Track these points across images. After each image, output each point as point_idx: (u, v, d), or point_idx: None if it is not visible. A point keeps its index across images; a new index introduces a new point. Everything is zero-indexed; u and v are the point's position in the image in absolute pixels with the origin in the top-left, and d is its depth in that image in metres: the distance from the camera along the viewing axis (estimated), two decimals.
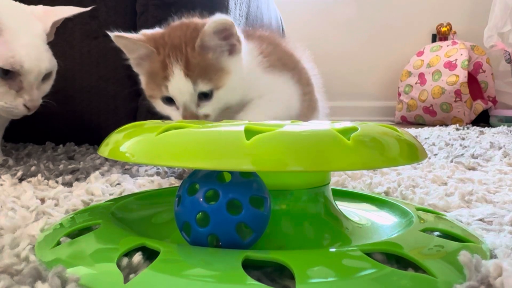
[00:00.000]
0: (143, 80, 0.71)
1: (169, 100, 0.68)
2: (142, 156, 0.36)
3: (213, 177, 0.36)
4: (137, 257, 0.34)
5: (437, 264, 0.33)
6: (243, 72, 0.71)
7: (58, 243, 0.37)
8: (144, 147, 0.36)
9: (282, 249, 0.37)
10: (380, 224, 0.46)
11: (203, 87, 0.66)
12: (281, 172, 0.41)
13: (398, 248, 0.35)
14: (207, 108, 0.68)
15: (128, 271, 0.33)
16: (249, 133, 0.34)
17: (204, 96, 0.67)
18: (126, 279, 0.31)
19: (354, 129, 0.37)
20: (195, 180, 0.36)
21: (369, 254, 0.33)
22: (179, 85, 0.66)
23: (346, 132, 0.36)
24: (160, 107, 0.70)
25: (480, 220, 0.50)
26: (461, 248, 0.36)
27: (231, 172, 0.36)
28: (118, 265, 0.32)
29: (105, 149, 0.39)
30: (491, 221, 0.49)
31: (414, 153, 0.39)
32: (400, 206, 0.48)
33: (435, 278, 0.31)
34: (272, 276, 0.34)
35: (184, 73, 0.66)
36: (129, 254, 0.35)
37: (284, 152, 0.33)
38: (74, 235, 0.39)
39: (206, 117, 0.68)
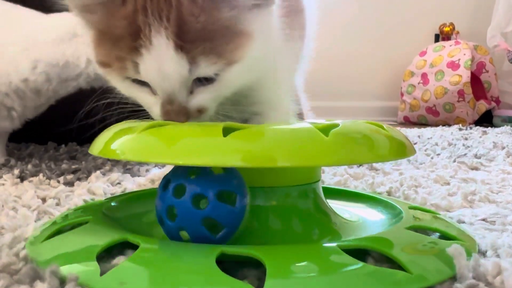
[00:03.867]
0: (90, 36, 0.42)
1: (139, 81, 0.41)
2: (129, 154, 0.36)
3: (183, 172, 0.36)
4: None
5: (416, 260, 0.33)
6: (271, 35, 0.45)
7: (48, 238, 0.38)
8: (128, 145, 0.37)
9: (266, 244, 0.37)
10: (369, 221, 0.47)
11: (208, 68, 0.39)
12: (270, 169, 0.41)
13: (377, 245, 0.35)
14: (205, 97, 0.41)
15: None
16: (227, 130, 0.34)
17: (203, 79, 0.40)
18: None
19: (335, 126, 0.37)
20: (170, 175, 0.37)
21: (348, 250, 0.33)
22: (164, 65, 0.38)
23: (327, 129, 0.36)
24: (122, 86, 0.43)
25: (483, 220, 0.49)
26: (447, 246, 0.35)
27: (202, 167, 0.36)
28: (99, 259, 0.33)
29: (94, 148, 0.40)
30: (494, 221, 0.49)
31: (399, 149, 0.39)
32: (393, 204, 0.49)
33: (410, 274, 0.31)
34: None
35: (175, 44, 0.37)
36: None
37: (270, 149, 0.34)
38: (66, 231, 0.40)
39: (200, 112, 0.42)
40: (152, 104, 0.41)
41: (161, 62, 0.38)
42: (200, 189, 0.35)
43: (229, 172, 0.37)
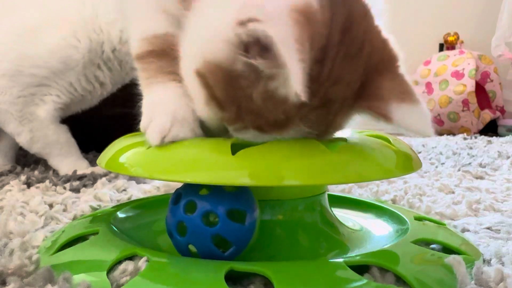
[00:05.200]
0: (215, 71, 0.36)
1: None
2: (137, 169, 0.36)
3: (195, 188, 0.36)
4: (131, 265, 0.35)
5: (422, 276, 0.33)
6: None
7: (58, 250, 0.38)
8: (136, 160, 0.37)
9: (273, 259, 0.38)
10: (374, 232, 0.46)
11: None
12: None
13: (383, 261, 0.35)
14: None
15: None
16: (236, 147, 0.35)
17: None
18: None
19: (342, 141, 0.37)
20: (181, 190, 0.37)
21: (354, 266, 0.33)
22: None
23: (334, 143, 0.36)
24: (208, 113, 0.38)
25: (488, 228, 0.50)
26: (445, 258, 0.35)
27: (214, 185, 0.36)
28: (109, 273, 0.33)
29: (102, 161, 0.41)
30: (499, 230, 0.49)
31: (406, 163, 0.39)
32: (399, 215, 0.48)
33: None
34: None
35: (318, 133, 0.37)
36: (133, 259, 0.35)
37: (277, 167, 0.34)
38: (74, 241, 0.40)
39: None
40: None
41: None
42: (211, 207, 0.35)
43: (240, 189, 0.37)
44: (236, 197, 0.36)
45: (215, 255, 0.35)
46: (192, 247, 0.36)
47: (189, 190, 0.37)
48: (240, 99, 0.35)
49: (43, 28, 0.80)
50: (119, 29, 0.82)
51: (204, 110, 0.38)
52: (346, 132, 0.44)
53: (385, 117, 0.36)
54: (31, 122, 0.82)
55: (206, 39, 0.36)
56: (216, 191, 0.36)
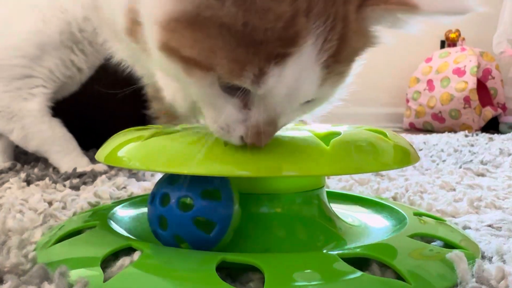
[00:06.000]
0: (166, 16, 0.30)
1: (231, 91, 0.31)
2: (136, 163, 0.37)
3: (166, 182, 0.37)
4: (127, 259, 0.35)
5: (416, 270, 0.33)
6: None
7: (55, 243, 0.39)
8: (131, 153, 0.37)
9: (269, 251, 0.38)
10: (372, 227, 0.46)
11: (326, 92, 0.33)
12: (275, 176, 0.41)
13: (377, 253, 0.35)
14: (295, 116, 0.36)
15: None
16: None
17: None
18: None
19: (336, 134, 0.37)
20: (154, 189, 0.38)
21: (348, 259, 0.33)
22: (301, 83, 0.30)
23: (328, 137, 0.36)
24: (201, 92, 0.32)
25: (489, 226, 0.49)
26: (448, 253, 0.35)
27: (183, 175, 0.36)
28: (106, 260, 0.34)
29: (100, 155, 0.41)
30: (500, 227, 0.49)
31: (403, 156, 0.39)
32: (398, 210, 0.48)
33: (409, 285, 0.31)
34: None
35: (325, 63, 0.30)
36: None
37: (276, 159, 0.34)
38: (74, 235, 0.40)
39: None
40: (236, 121, 0.32)
41: (300, 78, 0.29)
42: (184, 192, 0.36)
43: None
44: (207, 179, 0.36)
45: (202, 239, 0.35)
46: (178, 238, 0.36)
47: (161, 185, 0.37)
48: (220, 39, 0.28)
49: (13, 19, 0.81)
50: (80, 6, 0.82)
51: (197, 87, 0.31)
52: (343, 127, 0.44)
53: (410, 6, 0.30)
54: (23, 118, 0.82)
55: (151, 11, 0.31)
56: (185, 179, 0.36)
